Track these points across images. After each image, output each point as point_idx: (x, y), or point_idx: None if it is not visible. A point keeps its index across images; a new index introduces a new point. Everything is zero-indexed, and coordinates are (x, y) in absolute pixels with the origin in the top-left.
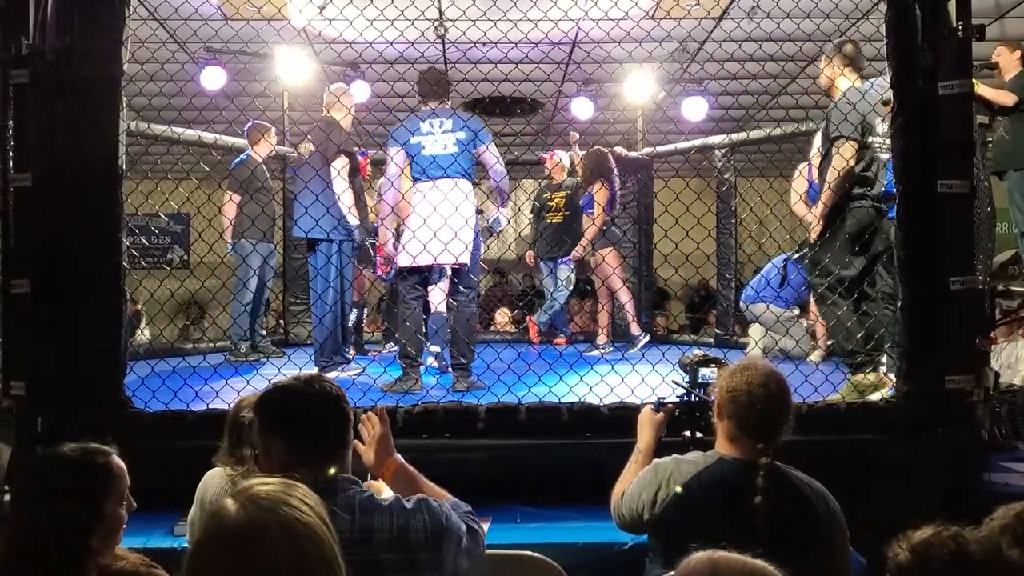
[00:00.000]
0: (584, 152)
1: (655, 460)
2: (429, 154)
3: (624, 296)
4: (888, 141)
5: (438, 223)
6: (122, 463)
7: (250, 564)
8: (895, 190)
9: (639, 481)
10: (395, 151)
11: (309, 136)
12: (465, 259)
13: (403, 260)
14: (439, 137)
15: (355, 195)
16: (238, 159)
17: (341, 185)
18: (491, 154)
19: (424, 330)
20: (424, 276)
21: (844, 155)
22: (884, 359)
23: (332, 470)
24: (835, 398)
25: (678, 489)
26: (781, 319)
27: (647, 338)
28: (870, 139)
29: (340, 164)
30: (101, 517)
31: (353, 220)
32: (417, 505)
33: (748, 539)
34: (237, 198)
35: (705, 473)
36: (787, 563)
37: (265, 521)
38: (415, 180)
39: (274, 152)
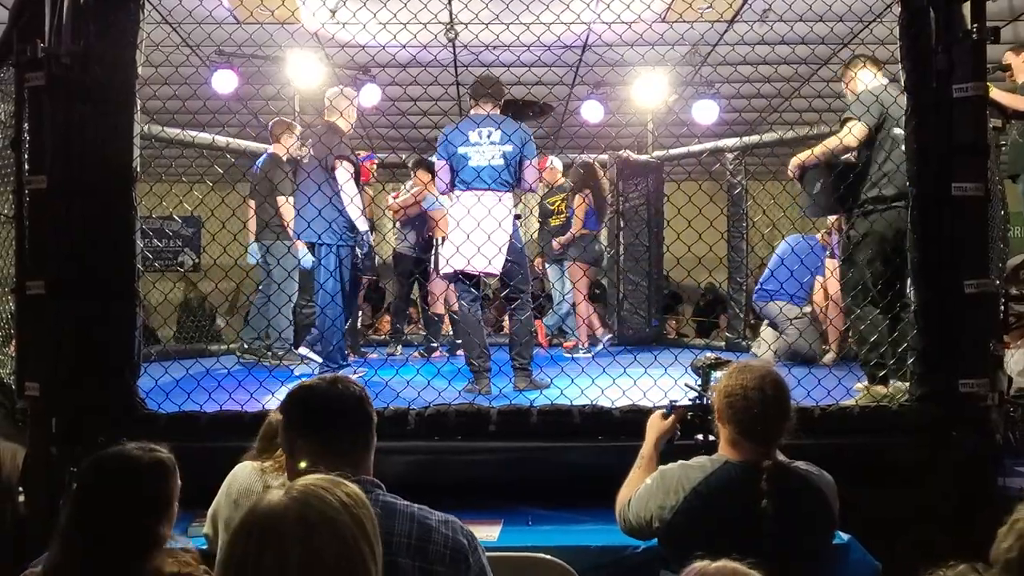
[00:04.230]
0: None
1: (661, 467)
2: (475, 165)
3: (583, 310)
4: None
5: (478, 234)
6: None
7: (290, 549)
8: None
9: (647, 488)
10: (441, 165)
11: (307, 142)
12: (498, 267)
13: (444, 267)
14: (486, 148)
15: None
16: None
17: (352, 190)
18: (532, 168)
19: (486, 340)
20: (477, 284)
21: (853, 133)
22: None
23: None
24: (849, 404)
25: (686, 495)
26: (794, 321)
27: (609, 336)
28: (896, 130)
29: (344, 176)
30: (171, 511)
31: (363, 226)
32: (443, 520)
33: (758, 542)
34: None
35: (713, 478)
36: (798, 563)
37: (308, 507)
38: (458, 189)
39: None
